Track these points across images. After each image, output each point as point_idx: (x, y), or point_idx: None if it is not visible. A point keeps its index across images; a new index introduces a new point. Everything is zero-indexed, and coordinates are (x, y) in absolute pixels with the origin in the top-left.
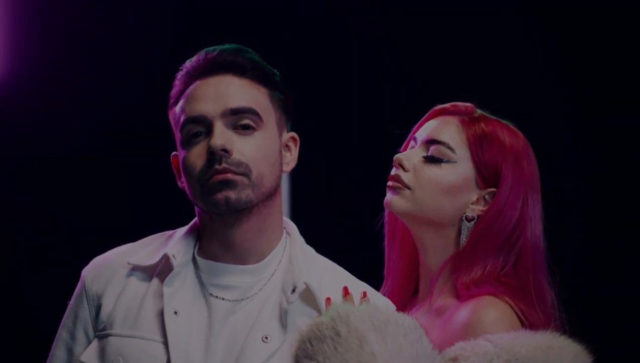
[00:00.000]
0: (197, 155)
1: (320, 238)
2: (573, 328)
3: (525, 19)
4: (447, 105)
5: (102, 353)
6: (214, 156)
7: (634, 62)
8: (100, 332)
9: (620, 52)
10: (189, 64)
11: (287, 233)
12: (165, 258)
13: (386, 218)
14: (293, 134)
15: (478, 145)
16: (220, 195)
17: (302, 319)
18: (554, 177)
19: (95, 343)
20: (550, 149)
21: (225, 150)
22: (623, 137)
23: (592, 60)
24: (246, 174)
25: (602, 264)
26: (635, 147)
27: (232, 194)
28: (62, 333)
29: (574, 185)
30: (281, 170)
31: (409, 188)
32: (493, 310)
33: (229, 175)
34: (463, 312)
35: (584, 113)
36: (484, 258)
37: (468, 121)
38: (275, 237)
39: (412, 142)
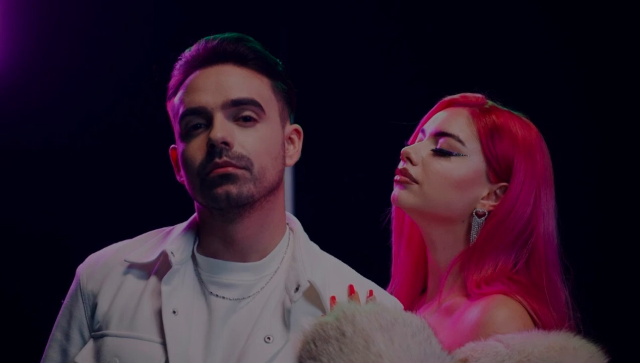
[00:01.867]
0: (196, 148)
1: (325, 235)
2: (588, 327)
3: (534, 10)
4: (456, 96)
5: (98, 354)
6: (214, 149)
7: None
8: (96, 332)
9: (629, 46)
10: (188, 53)
11: (290, 229)
12: (164, 256)
13: (393, 214)
14: (296, 126)
15: (489, 138)
16: (220, 190)
17: (306, 319)
18: (565, 171)
19: (90, 343)
20: (561, 141)
21: (225, 143)
22: (633, 130)
23: (601, 53)
24: (247, 167)
25: (618, 262)
26: None
27: (233, 188)
28: (56, 334)
29: (587, 179)
30: (284, 164)
31: (417, 182)
32: (504, 310)
33: (230, 169)
34: (473, 311)
35: (593, 104)
36: (495, 256)
37: (479, 113)
38: (278, 233)
39: (420, 135)
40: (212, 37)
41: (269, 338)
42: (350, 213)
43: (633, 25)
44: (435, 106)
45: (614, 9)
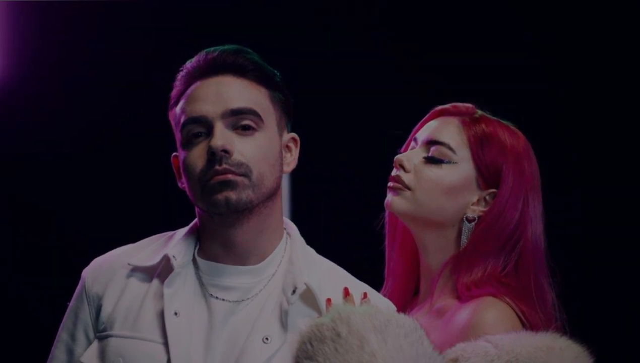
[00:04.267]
0: (197, 156)
1: (321, 239)
2: (574, 328)
3: (522, 21)
4: (447, 105)
5: (103, 355)
6: (215, 157)
7: (632, 61)
8: (101, 333)
9: (620, 49)
10: (189, 64)
11: (288, 234)
12: (166, 259)
13: (387, 219)
14: (293, 134)
15: (479, 146)
16: (220, 196)
17: (303, 320)
18: (552, 177)
19: (95, 344)
20: (548, 149)
21: (225, 151)
22: (619, 137)
23: (590, 60)
24: (246, 174)
25: (603, 265)
26: (635, 146)
27: (232, 195)
28: (62, 334)
29: (573, 185)
30: (281, 171)
31: (409, 189)
32: (493, 311)
33: (230, 176)
34: (463, 313)
35: (579, 112)
36: (485, 259)
37: (469, 122)
38: (276, 237)
39: (412, 143)
40: (212, 48)
41: (266, 338)
42: (345, 219)
43: (619, 35)
44: (427, 115)
45: (601, 18)
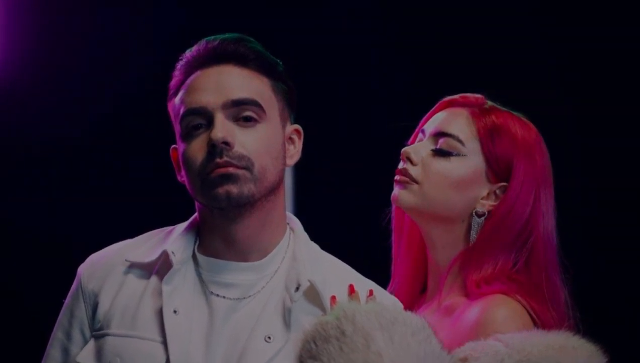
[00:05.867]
0: (197, 148)
1: (325, 235)
2: (587, 327)
3: (533, 11)
4: (456, 96)
5: (99, 354)
6: (215, 149)
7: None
8: (97, 332)
9: (627, 48)
10: (189, 53)
11: (291, 229)
12: (165, 255)
13: (393, 214)
14: (297, 126)
15: (489, 138)
16: (221, 190)
17: (306, 318)
18: (564, 171)
19: (91, 343)
20: (561, 141)
21: (226, 143)
22: (633, 131)
23: (599, 54)
24: (248, 167)
25: (617, 262)
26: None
27: (233, 188)
28: (58, 333)
29: (586, 179)
30: (284, 164)
31: (417, 182)
32: (504, 309)
33: (231, 169)
34: (473, 311)
35: (593, 105)
36: (495, 255)
37: (478, 113)
38: (279, 232)
39: (420, 135)
40: (212, 37)
41: (269, 337)
42: (350, 213)
43: (628, 29)
44: (435, 106)
45: (612, 10)
